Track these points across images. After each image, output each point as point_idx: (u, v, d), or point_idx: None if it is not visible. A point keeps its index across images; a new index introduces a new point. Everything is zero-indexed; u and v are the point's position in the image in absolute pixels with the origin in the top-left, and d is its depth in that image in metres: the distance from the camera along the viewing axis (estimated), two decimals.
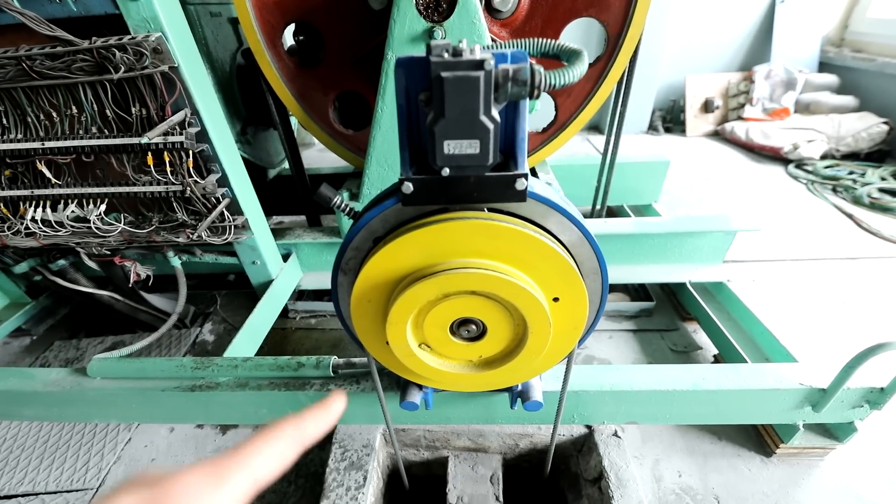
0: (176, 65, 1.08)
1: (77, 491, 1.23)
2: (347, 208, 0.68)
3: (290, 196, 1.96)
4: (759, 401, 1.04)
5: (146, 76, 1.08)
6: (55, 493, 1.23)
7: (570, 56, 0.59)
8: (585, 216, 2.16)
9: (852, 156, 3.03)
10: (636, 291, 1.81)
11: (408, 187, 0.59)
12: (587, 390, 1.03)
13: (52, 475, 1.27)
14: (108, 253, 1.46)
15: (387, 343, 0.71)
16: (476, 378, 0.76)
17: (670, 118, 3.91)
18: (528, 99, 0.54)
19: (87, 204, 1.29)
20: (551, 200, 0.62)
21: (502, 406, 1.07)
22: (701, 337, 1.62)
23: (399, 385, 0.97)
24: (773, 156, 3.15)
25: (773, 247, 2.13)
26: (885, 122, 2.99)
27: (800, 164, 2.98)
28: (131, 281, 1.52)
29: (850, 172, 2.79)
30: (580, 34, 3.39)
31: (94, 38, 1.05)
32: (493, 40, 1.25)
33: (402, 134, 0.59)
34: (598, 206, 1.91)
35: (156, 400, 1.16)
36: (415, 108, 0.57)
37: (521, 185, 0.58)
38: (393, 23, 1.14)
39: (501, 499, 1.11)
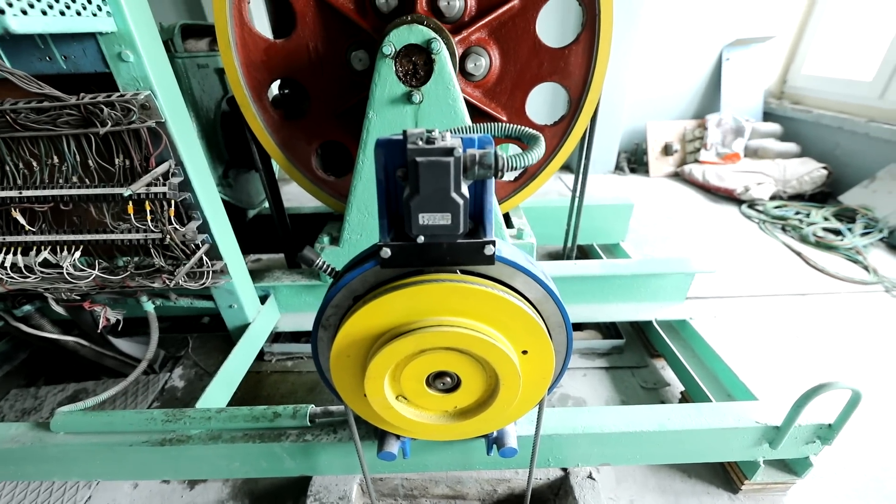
0: (163, 120, 1.13)
1: None
2: (329, 269, 0.72)
3: (270, 235, 1.97)
4: (721, 439, 1.10)
5: (132, 130, 1.12)
6: None
7: (530, 140, 0.67)
8: (557, 255, 2.27)
9: (798, 197, 3.31)
10: (607, 329, 1.89)
11: (386, 252, 0.64)
12: (560, 433, 1.06)
13: None
14: (78, 298, 1.43)
15: (365, 395, 0.73)
16: (451, 428, 0.79)
17: (635, 160, 4.18)
18: (493, 178, 0.61)
19: (61, 251, 1.28)
20: (517, 263, 0.68)
21: (479, 452, 1.09)
22: (669, 373, 1.69)
23: (377, 433, 0.98)
24: (727, 196, 3.40)
25: (732, 283, 2.27)
26: (825, 167, 3.30)
27: (752, 205, 3.22)
28: (101, 326, 1.48)
29: (797, 213, 3.04)
30: (550, 95, 3.69)
31: (82, 94, 1.08)
32: (465, 101, 1.36)
33: (381, 204, 0.65)
34: (568, 245, 2.01)
35: (123, 456, 1.11)
36: (392, 182, 0.64)
37: (489, 250, 0.64)
38: (374, 86, 1.23)
39: None
